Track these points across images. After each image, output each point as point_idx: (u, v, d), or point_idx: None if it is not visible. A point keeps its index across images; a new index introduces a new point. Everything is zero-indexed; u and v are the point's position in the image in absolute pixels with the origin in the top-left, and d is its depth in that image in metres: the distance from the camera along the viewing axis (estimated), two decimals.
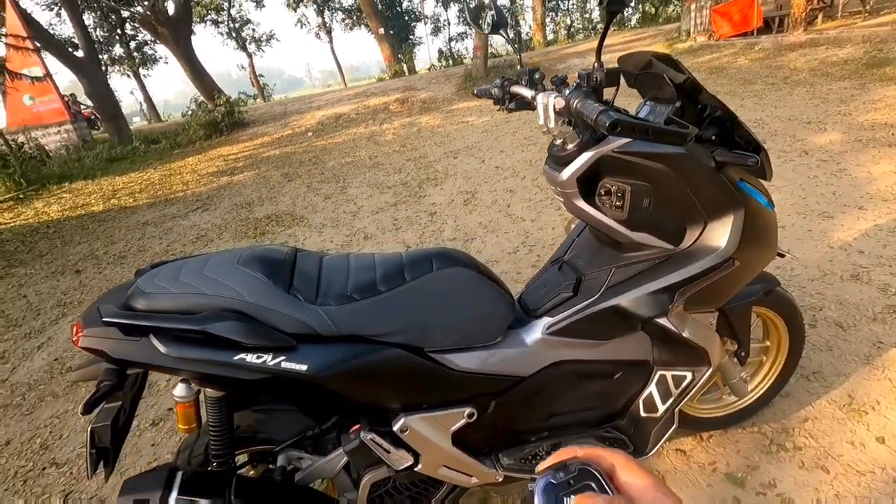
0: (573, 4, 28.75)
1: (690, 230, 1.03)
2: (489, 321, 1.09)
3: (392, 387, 1.04)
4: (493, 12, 1.20)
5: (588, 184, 1.03)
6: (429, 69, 19.88)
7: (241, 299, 0.93)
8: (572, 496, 0.33)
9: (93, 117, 17.48)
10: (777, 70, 7.05)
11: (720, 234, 1.00)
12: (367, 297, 1.01)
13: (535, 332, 1.15)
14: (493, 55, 15.84)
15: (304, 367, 0.92)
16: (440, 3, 28.86)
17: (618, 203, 1.01)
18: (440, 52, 25.42)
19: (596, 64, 0.85)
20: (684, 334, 1.07)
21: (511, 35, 1.24)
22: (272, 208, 4.80)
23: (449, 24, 29.32)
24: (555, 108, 0.96)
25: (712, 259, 1.00)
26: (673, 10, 19.00)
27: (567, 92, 0.85)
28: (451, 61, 21.80)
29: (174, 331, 0.89)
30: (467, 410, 1.10)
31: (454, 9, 29.41)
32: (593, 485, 0.33)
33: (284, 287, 0.97)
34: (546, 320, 1.15)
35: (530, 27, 23.87)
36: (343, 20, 26.15)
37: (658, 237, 1.04)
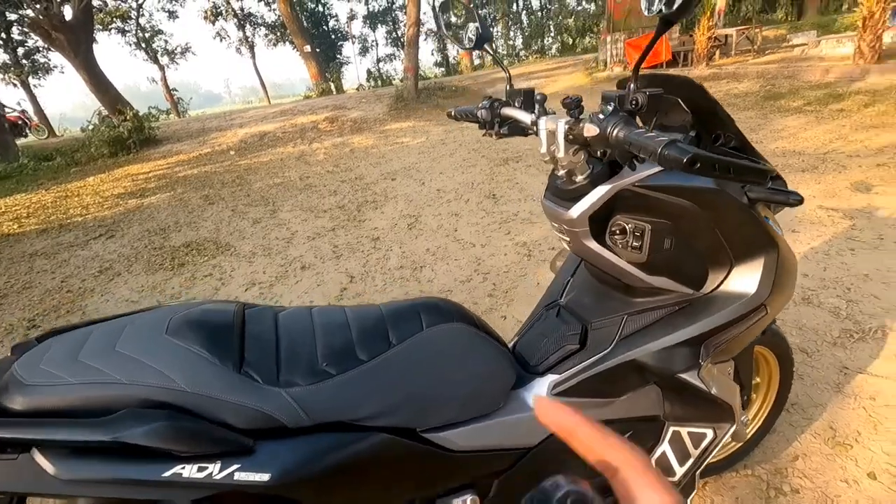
0: (498, 32, 29.95)
1: (714, 273, 0.92)
2: (491, 386, 0.91)
3: (377, 482, 0.82)
4: (476, 25, 1.05)
5: (598, 221, 0.89)
6: (357, 89, 19.65)
7: (172, 387, 0.67)
8: None
9: (21, 122, 15.37)
10: None
11: (749, 278, 0.90)
12: (347, 369, 0.79)
13: (540, 393, 0.98)
14: (421, 77, 15.94)
15: (265, 477, 0.68)
16: (368, 25, 28.85)
17: (635, 244, 0.87)
18: (368, 72, 25.35)
19: (633, 85, 0.72)
20: (713, 391, 0.95)
21: (494, 50, 1.09)
22: (192, 235, 4.31)
23: (377, 44, 29.32)
24: (567, 136, 0.82)
25: (743, 306, 0.89)
26: (589, 41, 20.32)
27: (601, 118, 0.71)
28: (380, 81, 21.75)
29: (71, 443, 0.62)
30: (469, 498, 0.90)
31: (382, 30, 29.50)
32: None
33: (234, 364, 0.73)
34: (551, 378, 0.99)
35: (457, 52, 24.47)
36: (266, 35, 25.26)
37: (678, 281, 0.92)
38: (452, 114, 1.17)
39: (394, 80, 22.49)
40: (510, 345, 1.13)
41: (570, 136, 0.82)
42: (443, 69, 26.45)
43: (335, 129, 9.51)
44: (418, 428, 0.83)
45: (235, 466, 0.67)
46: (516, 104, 1.01)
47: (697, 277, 0.92)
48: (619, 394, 1.00)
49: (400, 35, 28.64)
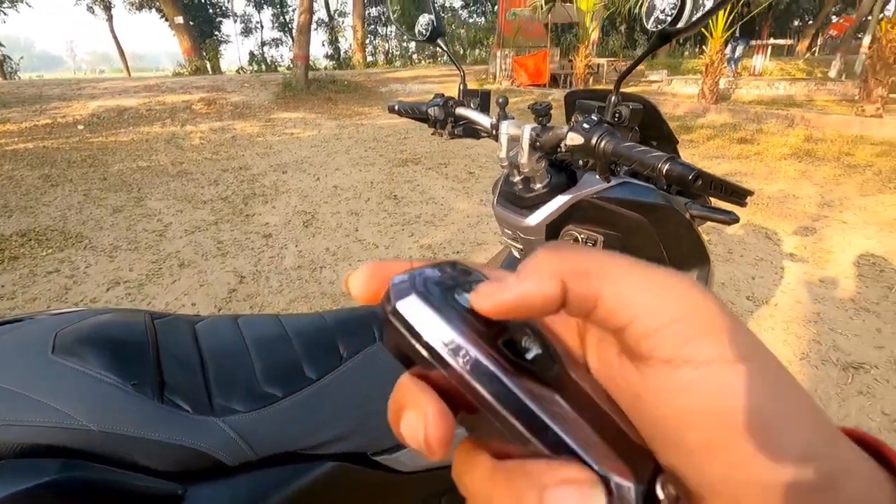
0: (391, 32, 29.85)
1: None
2: None
3: None
4: (432, 17, 1.00)
5: (552, 230, 0.90)
6: (237, 71, 18.14)
7: (69, 426, 0.51)
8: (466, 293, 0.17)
9: None
10: None
11: None
12: (295, 389, 0.68)
13: None
14: (311, 67, 15.25)
15: None
16: (252, 4, 26.80)
17: None
18: (251, 55, 23.63)
19: (615, 97, 0.72)
20: None
21: (448, 47, 1.04)
22: (28, 221, 3.57)
23: (262, 27, 27.35)
24: (533, 142, 0.81)
25: None
26: (479, 53, 21.20)
27: (585, 127, 0.70)
28: (263, 66, 20.38)
29: None
30: None
31: (268, 12, 27.60)
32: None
33: (152, 390, 0.58)
34: None
35: (350, 46, 23.88)
36: None
37: None
38: (396, 108, 1.09)
39: (280, 66, 21.19)
40: None
41: (537, 143, 0.80)
42: (334, 62, 25.61)
43: (213, 112, 8.65)
44: (370, 451, 0.75)
45: None
46: (472, 105, 0.97)
47: None
48: None
49: (288, 20, 27.10)
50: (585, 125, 0.69)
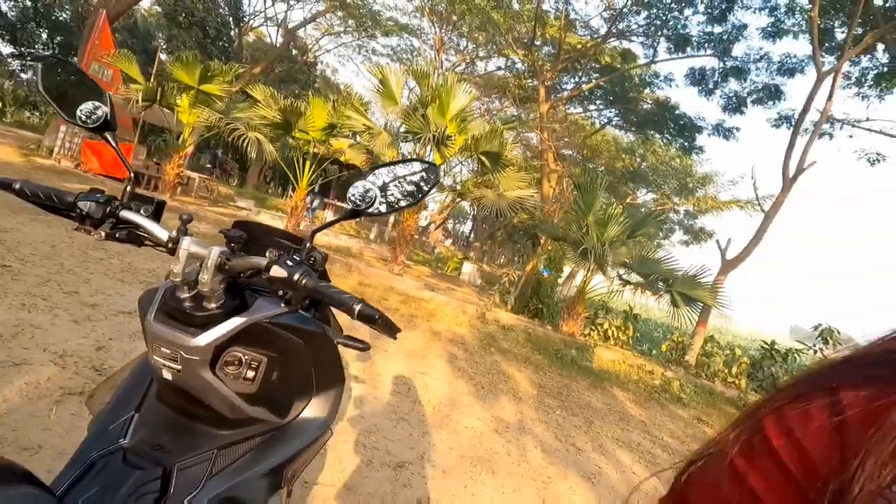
0: None
1: (297, 402, 1.07)
2: None
3: None
4: (98, 105, 0.90)
5: (217, 351, 0.90)
6: None
7: None
8: None
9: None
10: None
11: (324, 406, 1.11)
12: None
13: None
14: None
15: None
16: None
17: (249, 375, 0.93)
18: None
19: (310, 244, 0.86)
20: None
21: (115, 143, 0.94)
22: None
23: None
24: (223, 266, 0.85)
25: (317, 430, 1.07)
26: (29, 117, 16.79)
27: (289, 264, 0.79)
28: None
29: None
30: None
31: None
32: None
33: None
34: None
35: None
36: None
37: (271, 411, 1.01)
38: (17, 187, 0.86)
39: None
40: None
41: (226, 266, 0.84)
42: None
43: None
44: None
45: None
46: (142, 212, 0.90)
47: (286, 406, 1.05)
48: None
49: None
50: (289, 262, 0.81)
